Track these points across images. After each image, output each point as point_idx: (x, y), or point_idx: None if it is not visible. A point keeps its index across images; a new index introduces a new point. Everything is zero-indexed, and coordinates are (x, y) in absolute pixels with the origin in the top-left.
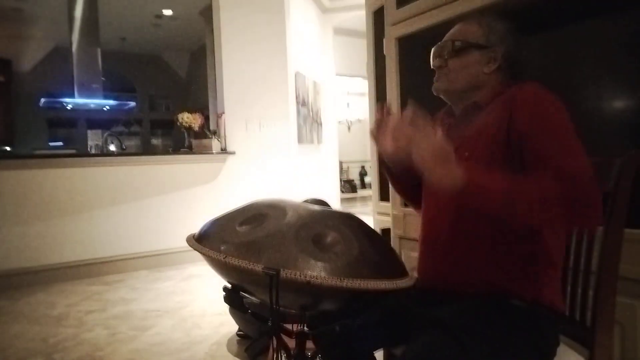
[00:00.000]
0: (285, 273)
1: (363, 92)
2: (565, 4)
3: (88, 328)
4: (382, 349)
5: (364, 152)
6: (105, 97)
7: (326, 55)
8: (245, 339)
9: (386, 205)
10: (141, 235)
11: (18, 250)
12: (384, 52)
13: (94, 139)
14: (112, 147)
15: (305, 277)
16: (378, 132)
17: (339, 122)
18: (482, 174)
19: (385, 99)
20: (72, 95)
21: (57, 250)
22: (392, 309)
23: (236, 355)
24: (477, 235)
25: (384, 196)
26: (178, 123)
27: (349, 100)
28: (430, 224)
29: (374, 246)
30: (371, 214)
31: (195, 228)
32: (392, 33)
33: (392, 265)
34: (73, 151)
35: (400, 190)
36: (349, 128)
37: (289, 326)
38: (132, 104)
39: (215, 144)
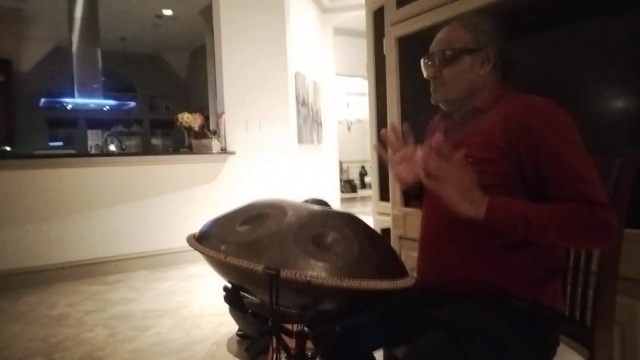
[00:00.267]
0: (285, 273)
1: (363, 92)
2: (565, 4)
3: (88, 328)
4: (382, 349)
5: (364, 152)
6: (105, 97)
7: (326, 55)
8: (245, 339)
9: (386, 205)
10: (141, 235)
11: (18, 250)
12: (384, 52)
13: (94, 139)
14: (112, 147)
15: (306, 277)
16: (395, 159)
17: (339, 122)
18: (506, 206)
19: (385, 99)
20: (72, 95)
21: (57, 250)
22: (392, 309)
23: (236, 355)
24: (478, 236)
25: (384, 196)
26: (178, 123)
27: (349, 100)
28: (430, 224)
29: (374, 246)
30: (371, 214)
31: (195, 228)
32: (392, 33)
33: (392, 265)
34: (73, 151)
35: (418, 205)
36: (349, 128)
37: (289, 326)
38: (132, 104)
39: (215, 144)
